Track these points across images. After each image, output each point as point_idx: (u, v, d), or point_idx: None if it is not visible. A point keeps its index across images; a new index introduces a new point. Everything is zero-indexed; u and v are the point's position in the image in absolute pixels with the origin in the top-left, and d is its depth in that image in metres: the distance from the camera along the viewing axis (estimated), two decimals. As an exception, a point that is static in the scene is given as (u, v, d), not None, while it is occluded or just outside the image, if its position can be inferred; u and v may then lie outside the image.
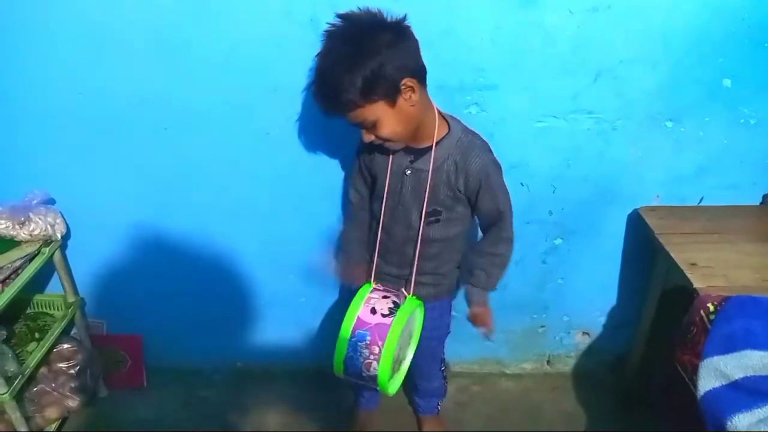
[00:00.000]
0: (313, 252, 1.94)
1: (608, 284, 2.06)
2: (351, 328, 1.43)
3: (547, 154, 1.79)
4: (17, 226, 1.76)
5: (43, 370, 1.93)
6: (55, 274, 1.96)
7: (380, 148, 1.46)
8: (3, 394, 1.65)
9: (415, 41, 1.35)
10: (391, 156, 1.50)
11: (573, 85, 1.67)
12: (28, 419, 1.81)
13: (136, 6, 1.57)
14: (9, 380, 1.68)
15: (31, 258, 1.77)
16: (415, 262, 1.53)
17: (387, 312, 1.44)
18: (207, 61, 1.65)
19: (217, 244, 1.99)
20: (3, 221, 1.75)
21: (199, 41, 1.62)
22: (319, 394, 2.15)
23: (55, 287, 2.04)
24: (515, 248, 1.93)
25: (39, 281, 2.02)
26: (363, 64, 1.26)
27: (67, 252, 1.98)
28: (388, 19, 1.31)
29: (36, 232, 1.78)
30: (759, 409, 1.29)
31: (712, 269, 1.57)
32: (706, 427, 1.36)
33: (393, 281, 1.62)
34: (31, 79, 1.69)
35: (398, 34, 1.30)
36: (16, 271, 1.71)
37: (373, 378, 1.43)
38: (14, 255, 1.74)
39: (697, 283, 1.52)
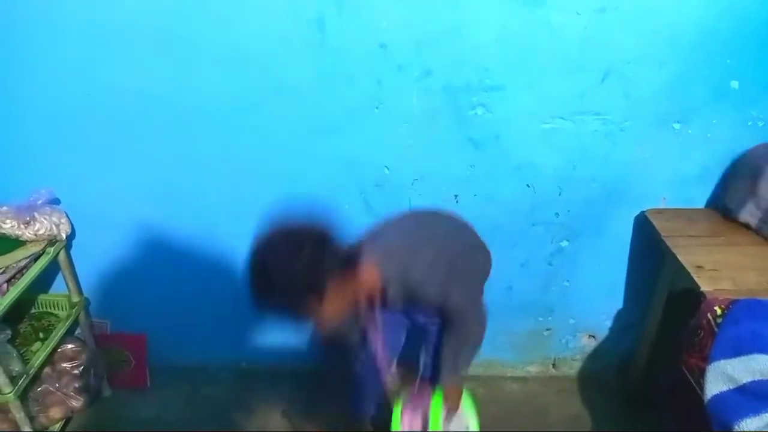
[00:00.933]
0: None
1: (614, 287, 2.05)
2: None
3: (554, 155, 1.78)
4: (22, 226, 1.76)
5: (47, 369, 1.93)
6: (60, 273, 1.96)
7: None
8: (7, 393, 1.65)
9: (335, 243, 1.29)
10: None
11: (580, 85, 1.66)
12: (32, 419, 1.81)
13: (141, 5, 1.57)
14: (13, 380, 1.68)
15: (36, 258, 1.77)
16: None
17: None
18: (213, 60, 1.65)
19: (221, 244, 1.98)
20: (8, 221, 1.75)
21: (205, 40, 1.62)
22: (321, 394, 2.14)
23: (59, 287, 2.04)
24: (521, 250, 1.95)
25: (44, 281, 2.02)
26: (283, 286, 1.24)
27: (72, 252, 1.98)
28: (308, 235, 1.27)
29: (41, 232, 1.78)
30: (766, 414, 1.28)
31: (719, 272, 1.56)
32: (713, 431, 1.35)
33: None
34: (37, 78, 1.69)
35: (316, 248, 1.26)
36: (21, 271, 1.71)
37: None
38: (19, 254, 1.74)
39: (704, 286, 1.51)
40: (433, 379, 1.63)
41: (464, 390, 1.64)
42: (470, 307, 1.52)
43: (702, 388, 1.39)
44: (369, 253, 1.39)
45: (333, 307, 1.32)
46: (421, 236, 1.49)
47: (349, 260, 1.33)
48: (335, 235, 1.30)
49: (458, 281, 1.46)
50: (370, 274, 1.39)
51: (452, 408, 1.61)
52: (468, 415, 1.63)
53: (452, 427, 1.58)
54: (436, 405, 1.56)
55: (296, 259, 1.24)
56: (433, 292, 1.43)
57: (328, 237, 1.28)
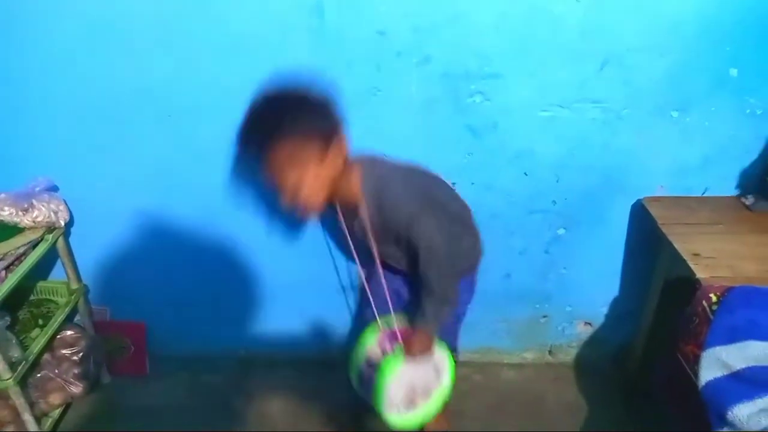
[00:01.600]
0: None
1: (611, 274, 2.06)
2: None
3: (552, 143, 1.78)
4: (21, 213, 1.76)
5: (46, 356, 1.94)
6: (59, 260, 1.96)
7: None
8: (7, 379, 1.66)
9: (324, 105, 1.38)
10: (339, 210, 1.53)
11: (579, 73, 1.66)
12: (32, 405, 1.82)
13: (137, -5, 1.57)
14: (13, 366, 1.69)
15: (35, 245, 1.77)
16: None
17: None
18: (210, 48, 1.64)
19: (221, 232, 1.99)
20: (7, 208, 1.75)
21: (203, 29, 1.61)
22: (322, 382, 2.16)
23: (58, 274, 2.04)
24: (518, 238, 1.95)
25: (42, 268, 2.02)
26: (273, 139, 1.34)
27: (71, 239, 1.98)
28: (294, 90, 1.38)
29: (39, 219, 1.78)
30: (760, 399, 1.29)
31: (715, 260, 1.56)
32: (708, 417, 1.36)
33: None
34: (34, 66, 1.68)
35: (302, 103, 1.36)
36: (19, 258, 1.71)
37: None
38: (18, 242, 1.74)
39: (700, 274, 1.51)
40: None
41: (439, 346, 1.58)
42: (438, 244, 1.45)
43: (696, 375, 1.40)
44: (358, 158, 1.48)
45: (312, 185, 1.38)
46: (411, 172, 1.54)
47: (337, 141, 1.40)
48: (332, 105, 1.38)
49: (432, 213, 1.46)
50: (353, 172, 1.45)
51: (413, 354, 1.53)
52: (442, 367, 1.59)
53: (420, 371, 1.55)
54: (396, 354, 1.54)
55: (294, 108, 1.33)
56: (403, 211, 1.44)
57: (324, 102, 1.37)
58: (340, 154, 1.41)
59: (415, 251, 1.47)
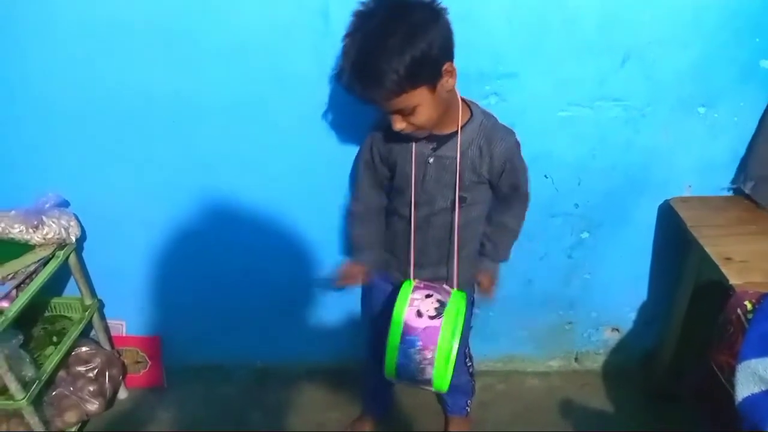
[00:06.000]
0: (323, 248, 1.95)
1: (638, 279, 1.98)
2: (399, 335, 1.40)
3: (572, 144, 1.71)
4: (31, 230, 1.74)
5: (61, 373, 1.92)
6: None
7: (399, 136, 1.39)
8: (20, 399, 1.64)
9: (449, 22, 1.29)
10: (413, 144, 1.43)
11: (598, 70, 1.59)
12: (47, 423, 1.80)
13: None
14: (26, 385, 1.67)
15: (46, 262, 1.75)
16: (455, 253, 1.49)
17: (434, 313, 1.40)
18: (216, 53, 1.60)
19: (234, 242, 1.95)
20: (16, 225, 1.73)
21: (207, 33, 1.57)
22: (338, 393, 2.12)
23: (73, 290, 2.03)
24: (540, 243, 1.90)
25: (56, 284, 2.01)
26: (414, 45, 1.17)
27: (84, 253, 1.96)
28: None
29: (50, 236, 1.76)
30: (801, 416, 1.21)
31: (748, 264, 1.49)
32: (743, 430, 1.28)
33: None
34: (39, 79, 1.66)
35: (437, 13, 1.25)
36: (30, 276, 1.69)
37: (428, 381, 1.41)
38: (28, 259, 1.73)
39: (733, 279, 1.44)
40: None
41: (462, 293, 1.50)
42: (527, 185, 1.55)
43: (732, 386, 1.32)
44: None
45: (434, 106, 1.29)
46: None
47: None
48: (450, 27, 1.28)
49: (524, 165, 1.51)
50: (462, 105, 1.41)
51: (488, 295, 1.67)
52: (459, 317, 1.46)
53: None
54: (459, 301, 1.44)
55: (424, 19, 1.21)
56: (513, 139, 1.45)
57: (445, 17, 1.26)
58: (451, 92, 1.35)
59: (503, 189, 1.50)
